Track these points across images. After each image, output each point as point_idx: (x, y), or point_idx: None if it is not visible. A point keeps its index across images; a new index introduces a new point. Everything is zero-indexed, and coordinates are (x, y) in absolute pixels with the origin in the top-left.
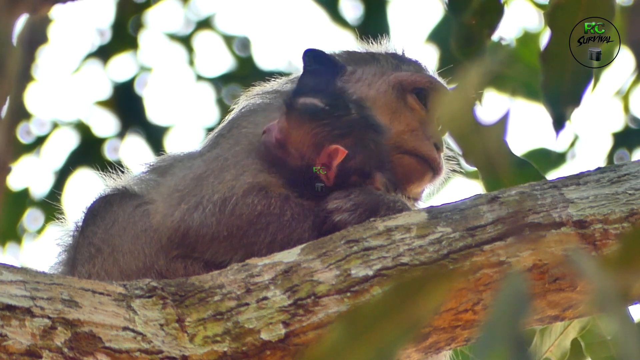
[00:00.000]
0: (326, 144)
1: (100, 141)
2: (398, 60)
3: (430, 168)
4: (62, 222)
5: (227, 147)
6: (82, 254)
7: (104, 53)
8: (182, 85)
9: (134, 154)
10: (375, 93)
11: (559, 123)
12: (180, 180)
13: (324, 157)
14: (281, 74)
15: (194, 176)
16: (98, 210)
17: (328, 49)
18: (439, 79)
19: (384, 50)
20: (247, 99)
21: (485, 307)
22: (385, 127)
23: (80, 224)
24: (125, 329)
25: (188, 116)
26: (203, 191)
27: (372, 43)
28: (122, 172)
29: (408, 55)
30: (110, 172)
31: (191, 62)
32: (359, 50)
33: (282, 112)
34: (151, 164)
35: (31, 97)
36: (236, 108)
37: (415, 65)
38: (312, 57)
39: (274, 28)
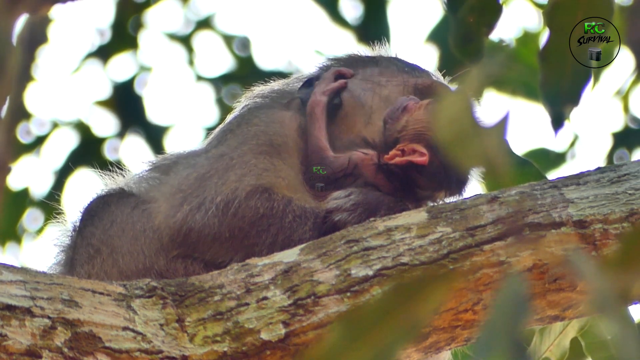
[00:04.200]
0: (424, 144)
1: (100, 141)
2: (402, 64)
3: None
4: (61, 222)
5: (234, 146)
6: (80, 254)
7: (103, 53)
8: (182, 85)
9: (134, 154)
10: (389, 94)
11: (557, 122)
12: (183, 180)
13: (411, 148)
14: (281, 74)
15: (197, 176)
16: (96, 211)
17: (327, 57)
18: (445, 82)
19: (385, 53)
20: (252, 97)
21: (485, 307)
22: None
23: (77, 224)
24: (125, 329)
25: (188, 116)
26: (206, 192)
27: (371, 46)
28: (120, 172)
29: (408, 59)
30: (109, 172)
31: (191, 62)
32: (361, 53)
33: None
34: (154, 162)
35: (31, 97)
36: (241, 105)
37: (420, 69)
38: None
39: (274, 28)
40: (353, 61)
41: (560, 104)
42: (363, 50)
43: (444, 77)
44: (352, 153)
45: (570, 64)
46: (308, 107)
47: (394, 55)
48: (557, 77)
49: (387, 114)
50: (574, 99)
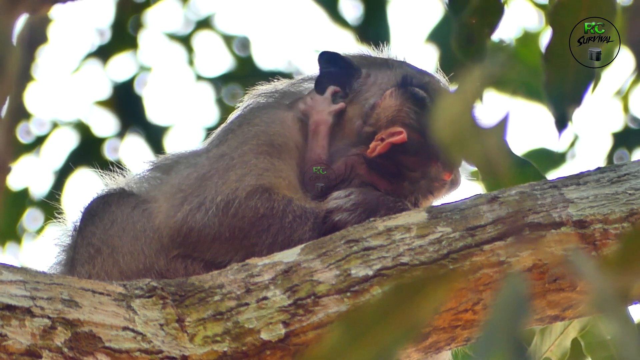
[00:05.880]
0: (399, 125)
1: (100, 141)
2: (412, 69)
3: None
4: (61, 222)
5: (235, 146)
6: (81, 254)
7: (103, 53)
8: (182, 85)
9: (134, 154)
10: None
11: (561, 123)
12: (184, 180)
13: (388, 132)
14: (281, 74)
15: (198, 175)
16: (96, 211)
17: (342, 51)
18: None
19: (395, 56)
20: (255, 96)
21: (485, 307)
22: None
23: (78, 224)
24: (125, 328)
25: (188, 116)
26: (206, 192)
27: (382, 49)
28: (121, 172)
29: (417, 63)
30: (109, 172)
31: (191, 62)
32: (372, 55)
33: (394, 84)
34: (155, 162)
35: (31, 97)
36: (244, 104)
37: (429, 75)
38: (327, 59)
39: (274, 28)
40: (365, 61)
41: (563, 104)
42: (373, 51)
43: (445, 78)
44: (347, 157)
45: (572, 64)
46: (312, 124)
47: (403, 60)
48: (561, 78)
49: (361, 119)
50: (577, 100)
